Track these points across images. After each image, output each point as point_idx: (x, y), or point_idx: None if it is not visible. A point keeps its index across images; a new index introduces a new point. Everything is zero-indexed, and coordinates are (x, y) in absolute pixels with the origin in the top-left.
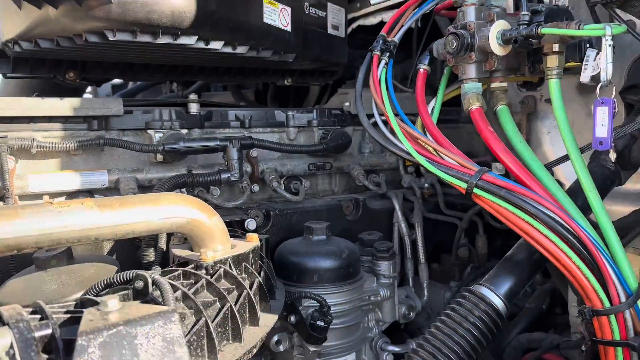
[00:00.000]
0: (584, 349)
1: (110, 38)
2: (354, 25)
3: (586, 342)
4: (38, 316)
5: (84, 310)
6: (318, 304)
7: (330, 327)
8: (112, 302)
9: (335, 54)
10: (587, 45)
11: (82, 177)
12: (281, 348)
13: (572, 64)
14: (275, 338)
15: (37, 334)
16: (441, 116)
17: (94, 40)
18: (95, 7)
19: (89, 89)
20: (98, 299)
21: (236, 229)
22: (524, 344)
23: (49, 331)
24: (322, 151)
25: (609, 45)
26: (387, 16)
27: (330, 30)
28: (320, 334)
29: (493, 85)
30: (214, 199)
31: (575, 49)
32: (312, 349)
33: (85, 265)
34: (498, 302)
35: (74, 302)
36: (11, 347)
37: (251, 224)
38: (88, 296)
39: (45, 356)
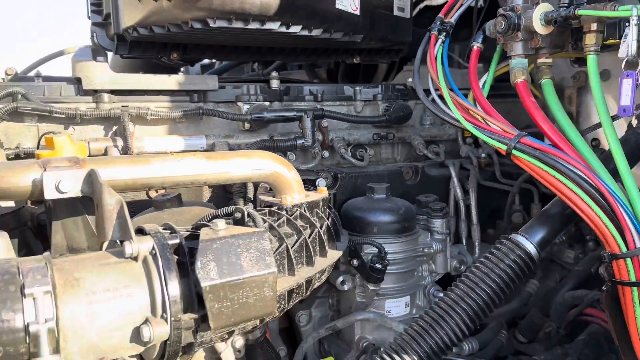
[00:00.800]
0: (604, 289)
1: (211, 25)
2: (421, 5)
3: (607, 283)
4: (169, 231)
5: (200, 229)
6: (377, 250)
7: (387, 271)
8: (221, 223)
9: (401, 34)
10: (627, 24)
11: (185, 140)
12: (345, 287)
13: (612, 41)
14: (341, 279)
15: (170, 242)
16: (505, 91)
17: (197, 26)
18: (200, 2)
19: (182, 68)
20: (210, 223)
21: (309, 186)
22: (568, 301)
23: (177, 240)
24: (384, 122)
25: (635, 25)
26: None
27: (396, 12)
28: (378, 275)
29: (539, 61)
30: (290, 162)
31: (615, 28)
32: (371, 287)
33: (191, 207)
34: (531, 248)
35: (192, 225)
36: (153, 249)
37: (321, 182)
38: (202, 221)
39: (175, 257)
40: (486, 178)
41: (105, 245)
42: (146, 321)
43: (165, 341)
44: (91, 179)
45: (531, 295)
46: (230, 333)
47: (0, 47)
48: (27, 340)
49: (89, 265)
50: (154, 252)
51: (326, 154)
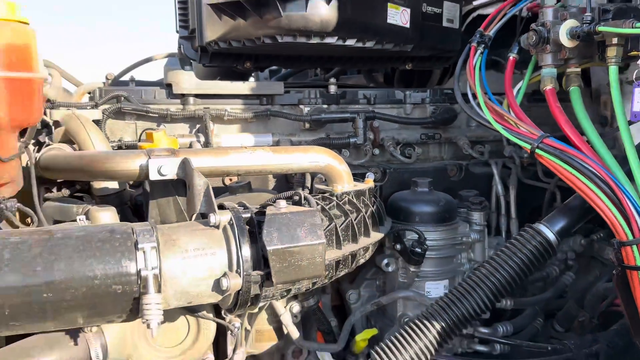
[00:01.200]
0: (614, 272)
1: (279, 40)
2: (474, 14)
3: (617, 268)
4: (242, 207)
5: (266, 207)
6: (417, 236)
7: (427, 256)
8: (283, 203)
9: (449, 43)
10: None
11: (255, 137)
12: (390, 269)
13: (635, 53)
14: (386, 261)
15: (243, 215)
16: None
17: (267, 41)
18: (271, 19)
19: (252, 73)
20: (274, 203)
21: (358, 178)
22: (600, 292)
23: (249, 214)
24: (430, 123)
25: None
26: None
27: (445, 23)
28: (418, 258)
29: (567, 70)
30: (344, 158)
31: (638, 41)
32: (412, 269)
33: (259, 193)
34: (551, 236)
35: (260, 205)
36: (230, 220)
37: (370, 175)
38: (267, 202)
39: (247, 227)
40: (528, 177)
41: (194, 217)
42: (224, 275)
43: (238, 291)
44: (184, 165)
45: (566, 286)
46: (288, 291)
47: (98, 51)
48: (139, 282)
49: (183, 230)
50: (231, 222)
51: (377, 151)
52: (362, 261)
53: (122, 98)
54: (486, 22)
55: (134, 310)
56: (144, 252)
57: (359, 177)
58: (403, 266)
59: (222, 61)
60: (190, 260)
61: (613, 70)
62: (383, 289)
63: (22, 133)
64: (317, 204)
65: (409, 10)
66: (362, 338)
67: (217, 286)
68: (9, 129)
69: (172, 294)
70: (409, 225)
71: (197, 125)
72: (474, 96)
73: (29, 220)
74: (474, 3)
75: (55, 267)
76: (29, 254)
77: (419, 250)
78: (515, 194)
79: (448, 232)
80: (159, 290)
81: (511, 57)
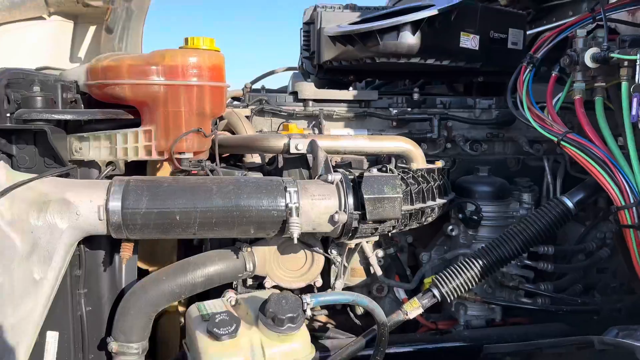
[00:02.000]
0: (613, 231)
1: (377, 60)
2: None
3: (616, 227)
4: (348, 172)
5: (363, 175)
6: (474, 208)
7: (482, 223)
8: (375, 169)
9: (513, 61)
10: None
11: (355, 132)
12: (453, 233)
13: None
14: (450, 227)
15: (349, 176)
16: None
17: (368, 61)
18: (372, 46)
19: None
20: (368, 170)
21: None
22: None
23: (352, 176)
24: (493, 124)
25: (638, 65)
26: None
27: (509, 46)
28: (474, 224)
29: (595, 84)
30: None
31: None
32: (470, 232)
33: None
34: (570, 205)
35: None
36: (341, 179)
37: (441, 161)
38: (364, 169)
39: (351, 183)
40: (577, 170)
41: (316, 177)
42: (336, 212)
43: (344, 224)
44: (312, 144)
45: (601, 260)
46: (375, 229)
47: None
48: (286, 210)
49: (312, 183)
50: (341, 180)
51: (449, 145)
52: (429, 219)
53: (264, 101)
54: (536, 46)
55: (282, 229)
56: (289, 193)
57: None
58: (463, 231)
59: (332, 75)
60: (316, 201)
61: (624, 86)
62: (448, 251)
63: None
64: (399, 174)
65: (478, 36)
66: (428, 281)
67: (331, 219)
68: (209, 117)
69: (304, 221)
70: (469, 199)
71: (313, 122)
72: (521, 103)
73: None
74: (536, 30)
75: (241, 197)
76: (227, 189)
77: (476, 217)
78: (562, 182)
79: (501, 207)
80: (298, 216)
81: (553, 74)
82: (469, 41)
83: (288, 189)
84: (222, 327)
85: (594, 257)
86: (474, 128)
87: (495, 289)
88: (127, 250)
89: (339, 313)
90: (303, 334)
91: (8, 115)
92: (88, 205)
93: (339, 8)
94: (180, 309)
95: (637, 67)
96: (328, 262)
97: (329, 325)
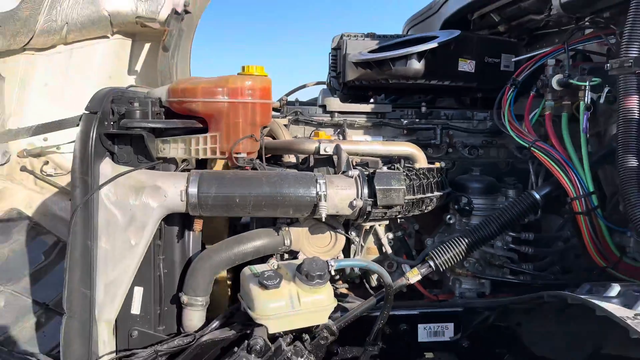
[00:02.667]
0: (566, 216)
1: (390, 82)
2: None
3: (572, 214)
4: (364, 169)
5: (375, 171)
6: (467, 200)
7: (474, 213)
8: (385, 167)
9: (505, 81)
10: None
11: (372, 138)
12: (451, 221)
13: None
14: (449, 216)
15: (365, 172)
16: None
17: (383, 82)
18: (386, 70)
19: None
20: (379, 167)
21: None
22: None
23: (367, 172)
24: (487, 133)
25: (587, 90)
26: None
27: (502, 68)
28: (467, 213)
29: (563, 102)
30: (427, 154)
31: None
32: (464, 220)
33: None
34: (537, 197)
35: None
36: (359, 174)
37: (442, 163)
38: (376, 167)
39: (367, 177)
40: None
41: (340, 173)
42: (354, 199)
43: (360, 209)
44: (337, 147)
45: (575, 245)
46: (385, 214)
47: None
48: (317, 196)
49: (335, 177)
50: (359, 175)
51: (450, 150)
52: (429, 208)
53: (299, 112)
54: (518, 71)
55: (313, 211)
56: (319, 184)
57: (433, 163)
58: (459, 220)
59: (355, 92)
60: (339, 190)
61: (582, 104)
62: (447, 236)
63: None
64: (402, 171)
65: (474, 61)
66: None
67: (350, 205)
68: (259, 126)
69: (330, 205)
70: (463, 194)
71: (338, 130)
72: (504, 116)
73: None
74: (523, 57)
75: (283, 186)
76: (272, 180)
77: (468, 208)
78: (543, 181)
79: (489, 200)
80: (325, 201)
81: (532, 93)
82: (467, 65)
83: (318, 181)
84: (269, 280)
85: (569, 244)
86: (471, 136)
87: (485, 267)
88: (198, 224)
89: (356, 287)
90: (328, 288)
91: (112, 123)
92: (173, 190)
93: (361, 36)
94: (228, 281)
95: (587, 91)
96: (348, 242)
97: (349, 295)
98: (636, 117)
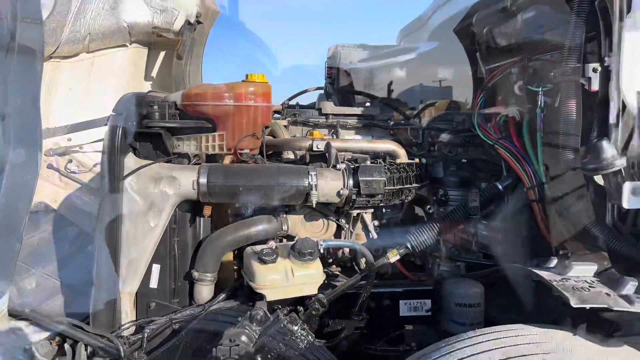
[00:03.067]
0: (524, 203)
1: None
2: None
3: (530, 201)
4: (350, 163)
5: (359, 165)
6: (443, 192)
7: (449, 203)
8: (368, 162)
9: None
10: None
11: (362, 137)
12: (430, 210)
13: None
14: (429, 206)
15: (351, 166)
16: None
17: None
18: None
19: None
20: (362, 162)
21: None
22: None
23: (353, 166)
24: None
25: (541, 95)
26: None
27: (478, 75)
28: (443, 203)
29: (524, 105)
30: (412, 152)
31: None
32: (441, 209)
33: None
34: (500, 187)
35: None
36: (345, 167)
37: (423, 160)
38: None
39: (352, 170)
40: None
41: (329, 166)
42: (341, 189)
43: (346, 197)
44: (327, 145)
45: None
46: (368, 202)
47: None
48: (309, 186)
49: (326, 170)
50: (346, 168)
51: (432, 148)
52: (409, 198)
53: (297, 114)
54: (488, 79)
55: (306, 199)
56: (311, 176)
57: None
58: (437, 209)
59: (345, 95)
60: (328, 181)
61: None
62: None
63: None
64: (384, 165)
65: (452, 69)
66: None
67: (338, 193)
68: (260, 126)
69: (320, 194)
70: (441, 186)
71: (332, 130)
72: (474, 117)
73: None
74: (488, 67)
75: (280, 178)
76: (271, 172)
77: (444, 199)
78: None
79: (463, 192)
80: (316, 190)
81: (499, 98)
82: (444, 72)
83: (310, 173)
84: (267, 256)
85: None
86: (453, 136)
87: (461, 251)
88: (207, 210)
89: (347, 270)
90: (318, 264)
91: (135, 123)
92: (186, 180)
93: (354, 47)
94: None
95: (540, 96)
96: (339, 229)
97: (339, 275)
98: (573, 117)
